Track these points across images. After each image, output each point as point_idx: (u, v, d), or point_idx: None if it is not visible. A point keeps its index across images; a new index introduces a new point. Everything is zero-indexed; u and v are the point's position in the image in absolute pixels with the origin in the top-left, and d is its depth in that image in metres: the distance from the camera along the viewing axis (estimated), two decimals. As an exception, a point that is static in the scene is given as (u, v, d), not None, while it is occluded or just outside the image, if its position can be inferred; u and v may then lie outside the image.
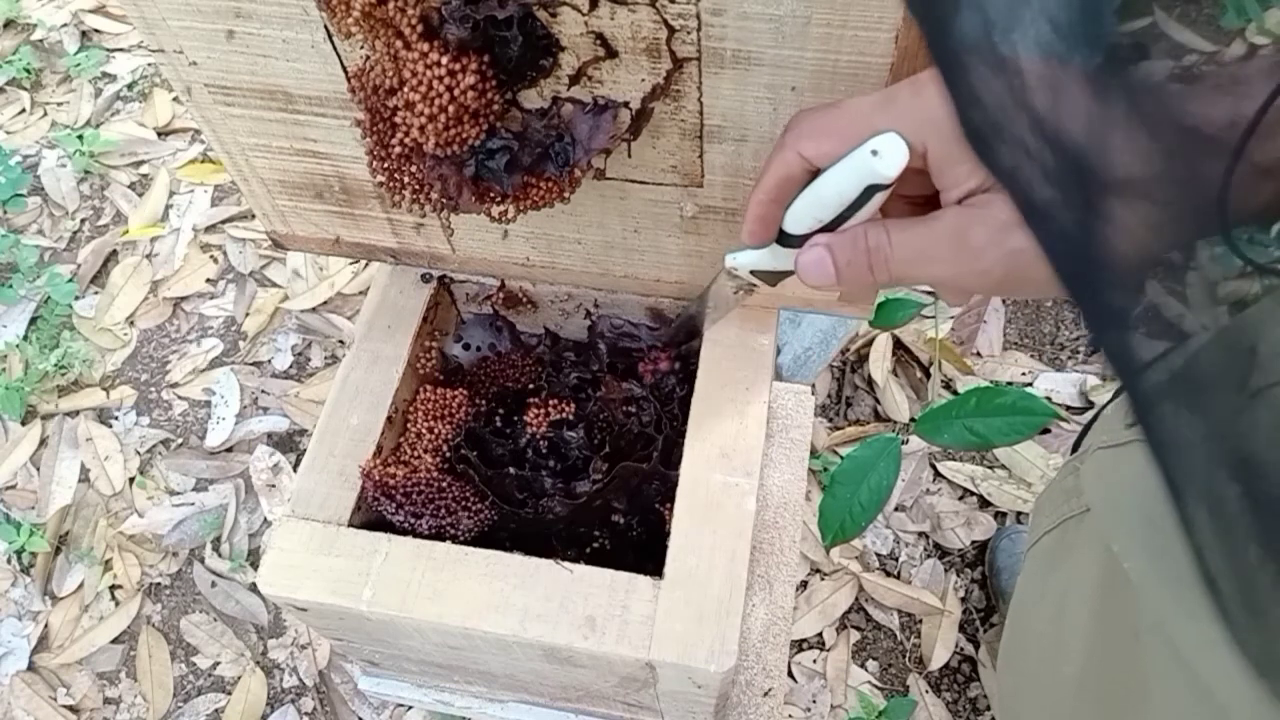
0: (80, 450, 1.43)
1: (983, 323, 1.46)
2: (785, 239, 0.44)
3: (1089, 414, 0.68)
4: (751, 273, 0.48)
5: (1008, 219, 0.36)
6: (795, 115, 0.41)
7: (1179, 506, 0.31)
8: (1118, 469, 0.53)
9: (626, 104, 0.50)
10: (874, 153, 0.38)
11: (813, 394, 0.89)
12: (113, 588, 1.33)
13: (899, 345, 1.45)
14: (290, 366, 1.49)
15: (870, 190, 0.39)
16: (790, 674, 1.21)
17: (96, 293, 1.58)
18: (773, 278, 0.48)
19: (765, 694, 0.74)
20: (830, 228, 0.41)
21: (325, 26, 0.49)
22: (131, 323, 1.55)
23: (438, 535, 0.61)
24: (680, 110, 0.50)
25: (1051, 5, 0.29)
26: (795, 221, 0.42)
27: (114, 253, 1.62)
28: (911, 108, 0.38)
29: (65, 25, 1.90)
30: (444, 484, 0.61)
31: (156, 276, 1.59)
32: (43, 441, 1.44)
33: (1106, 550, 0.52)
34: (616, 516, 0.64)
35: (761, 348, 0.63)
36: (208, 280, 1.58)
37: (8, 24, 1.91)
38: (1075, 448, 0.66)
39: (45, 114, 1.80)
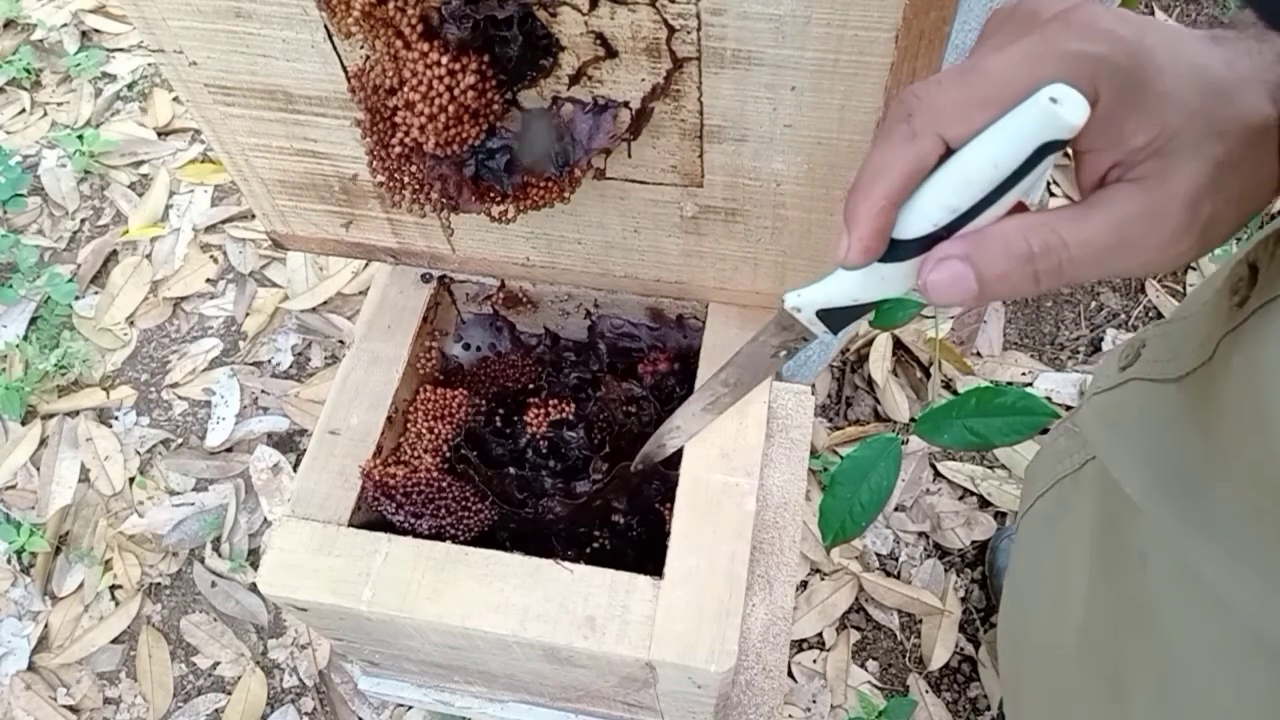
0: (80, 450, 1.43)
1: (983, 323, 1.46)
2: (890, 252, 0.36)
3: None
4: (819, 314, 0.40)
5: (1196, 186, 0.32)
6: (910, 94, 0.34)
7: None
8: (1116, 406, 0.53)
9: (626, 104, 0.50)
10: (1053, 100, 0.31)
11: (813, 394, 0.88)
12: (113, 588, 1.33)
13: (899, 345, 1.45)
14: (290, 366, 1.49)
15: (1043, 151, 0.32)
16: (790, 674, 1.21)
17: (96, 293, 1.58)
18: (845, 317, 0.40)
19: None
20: (952, 228, 0.34)
21: (325, 26, 0.49)
22: (131, 323, 1.55)
23: (438, 535, 0.61)
24: (680, 110, 0.50)
25: None
26: (918, 219, 0.34)
27: (114, 253, 1.62)
28: (1077, 51, 0.32)
29: (65, 25, 1.90)
30: (444, 484, 0.61)
31: (156, 276, 1.59)
32: (43, 441, 1.44)
33: (1105, 492, 0.52)
34: (616, 516, 0.64)
35: (761, 348, 0.63)
36: (208, 280, 1.58)
37: (8, 24, 1.91)
38: None
39: (45, 114, 1.80)
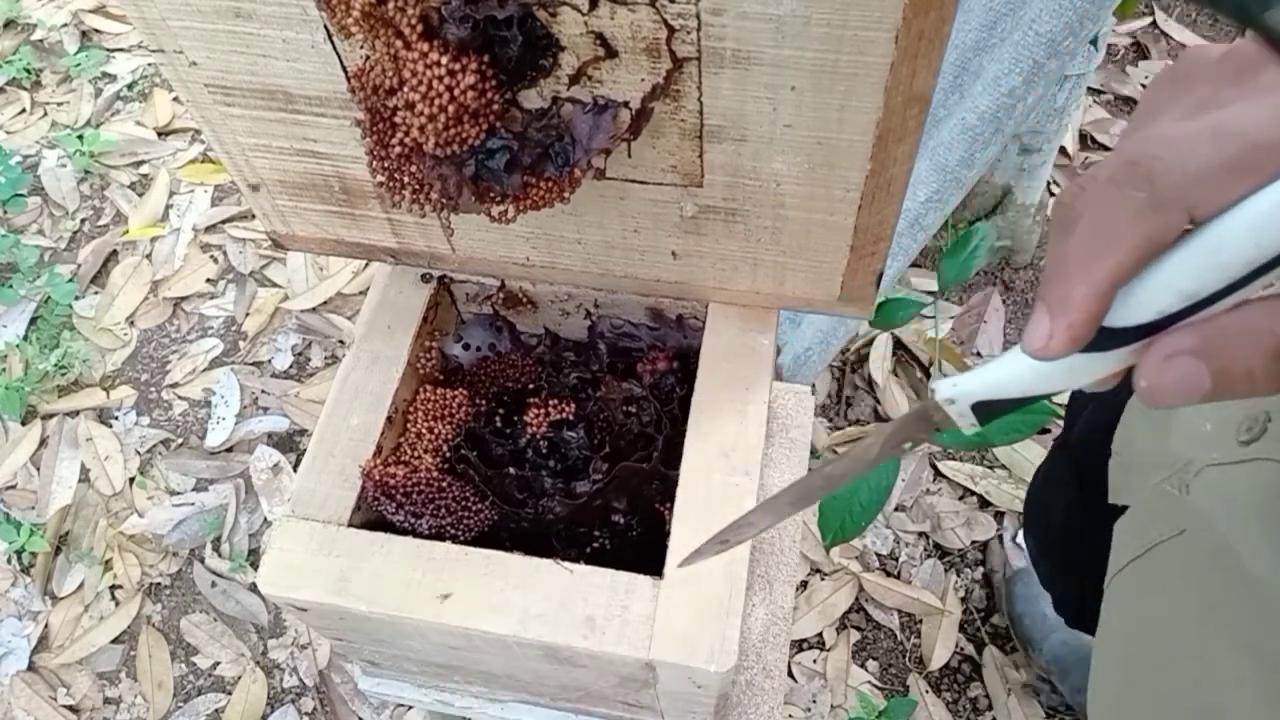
0: (80, 450, 1.43)
1: (983, 323, 1.46)
2: (1092, 341, 0.30)
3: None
4: (974, 408, 0.34)
5: None
6: (1146, 154, 0.29)
7: None
8: (1243, 486, 0.49)
9: (626, 104, 0.50)
10: None
11: (813, 394, 0.88)
12: (113, 588, 1.33)
13: (899, 345, 1.45)
14: (290, 366, 1.50)
15: None
16: (790, 674, 1.21)
17: (96, 293, 1.58)
18: (1002, 409, 0.34)
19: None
20: (1177, 316, 0.29)
21: (325, 26, 0.49)
22: (131, 323, 1.55)
23: (438, 535, 0.61)
24: (680, 110, 0.50)
25: None
26: (1142, 305, 0.29)
27: (114, 253, 1.62)
28: None
29: (65, 25, 1.90)
30: (444, 484, 0.61)
31: (156, 276, 1.59)
32: (43, 441, 1.44)
33: (1216, 570, 0.49)
34: (616, 516, 0.64)
35: (761, 348, 0.63)
36: (208, 280, 1.59)
37: (8, 24, 1.91)
38: (1068, 427, 0.63)
39: (45, 114, 1.80)
